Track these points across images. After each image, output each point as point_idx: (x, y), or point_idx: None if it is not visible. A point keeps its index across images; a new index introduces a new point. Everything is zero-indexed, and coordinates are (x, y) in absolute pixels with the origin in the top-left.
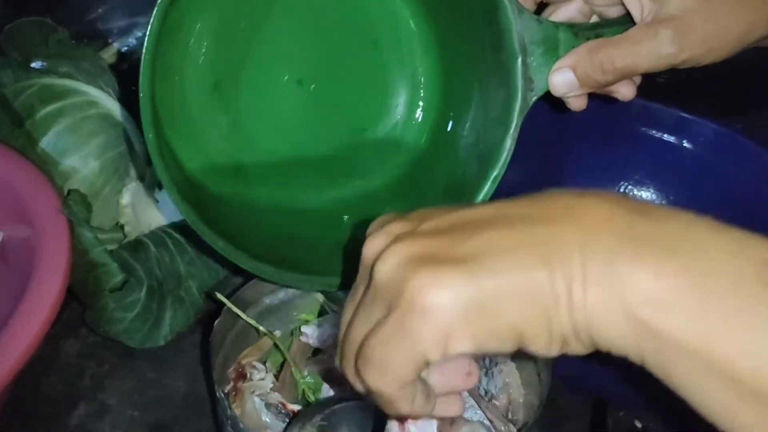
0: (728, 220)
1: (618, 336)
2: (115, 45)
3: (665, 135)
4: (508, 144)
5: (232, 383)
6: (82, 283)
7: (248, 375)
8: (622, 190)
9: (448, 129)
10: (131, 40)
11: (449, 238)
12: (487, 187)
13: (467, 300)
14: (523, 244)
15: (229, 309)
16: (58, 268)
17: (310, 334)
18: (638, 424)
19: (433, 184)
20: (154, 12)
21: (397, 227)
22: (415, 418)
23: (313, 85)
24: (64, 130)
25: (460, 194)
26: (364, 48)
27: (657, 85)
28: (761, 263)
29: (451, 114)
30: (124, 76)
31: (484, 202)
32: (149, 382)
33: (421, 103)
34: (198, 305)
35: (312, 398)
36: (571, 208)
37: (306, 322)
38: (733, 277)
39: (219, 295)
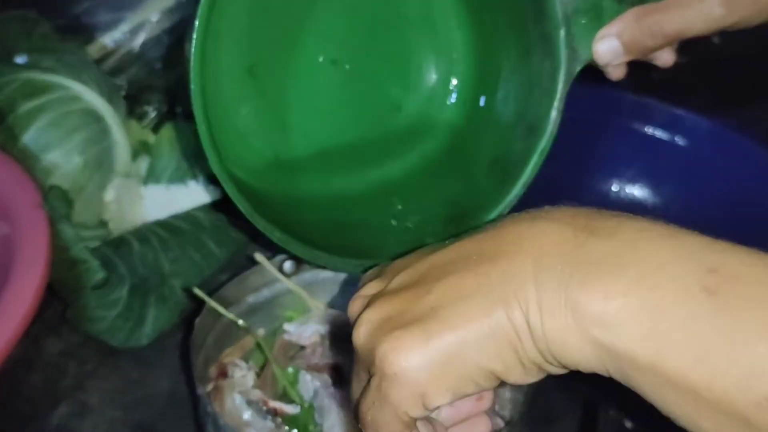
0: (723, 217)
1: (580, 357)
2: (101, 40)
3: (658, 131)
4: (554, 115)
5: (213, 382)
6: (63, 281)
7: (229, 373)
8: (614, 187)
9: (487, 103)
10: (117, 35)
11: (412, 294)
12: (535, 160)
13: (431, 358)
14: (478, 286)
15: (211, 307)
16: (37, 264)
17: (293, 331)
18: (628, 425)
19: (477, 159)
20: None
21: (371, 288)
22: None
23: (348, 65)
24: (47, 126)
25: (506, 168)
26: (397, 23)
27: (650, 80)
28: (706, 270)
29: (489, 87)
30: (110, 71)
31: (449, 243)
32: (132, 382)
33: (456, 78)
34: (182, 304)
35: (293, 394)
36: (521, 239)
37: (290, 319)
38: (678, 289)
39: (198, 291)
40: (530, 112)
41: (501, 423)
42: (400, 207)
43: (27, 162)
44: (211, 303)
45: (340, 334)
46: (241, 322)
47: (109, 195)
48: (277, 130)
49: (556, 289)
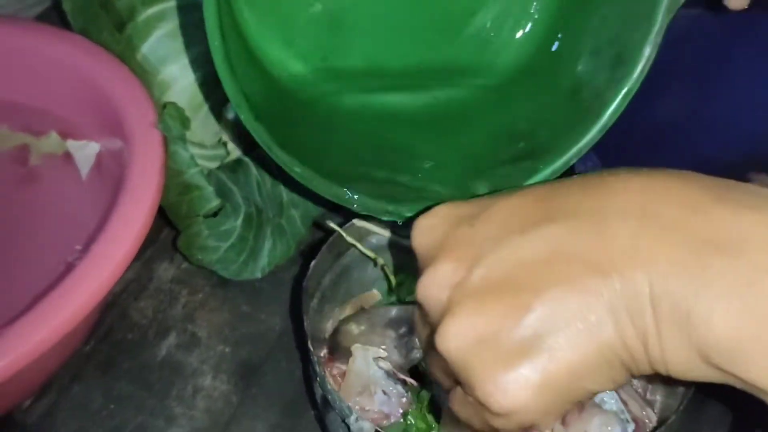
0: None
1: (701, 376)
2: None
3: None
4: (647, 52)
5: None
6: (175, 206)
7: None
8: None
9: (568, 33)
10: None
11: (506, 308)
12: (618, 102)
13: (542, 396)
14: (588, 308)
15: (327, 250)
16: (148, 188)
17: None
18: None
19: (555, 85)
20: None
21: (444, 267)
22: None
23: None
24: (166, 36)
25: (586, 105)
26: None
27: None
28: None
29: (574, 10)
30: None
31: (539, 229)
32: (243, 317)
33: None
34: (300, 236)
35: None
36: (634, 249)
37: None
38: None
39: (332, 224)
40: (621, 38)
41: (652, 416)
42: (454, 136)
43: (144, 76)
44: (345, 236)
45: None
46: (377, 258)
47: (230, 114)
48: (331, 40)
49: (678, 320)
